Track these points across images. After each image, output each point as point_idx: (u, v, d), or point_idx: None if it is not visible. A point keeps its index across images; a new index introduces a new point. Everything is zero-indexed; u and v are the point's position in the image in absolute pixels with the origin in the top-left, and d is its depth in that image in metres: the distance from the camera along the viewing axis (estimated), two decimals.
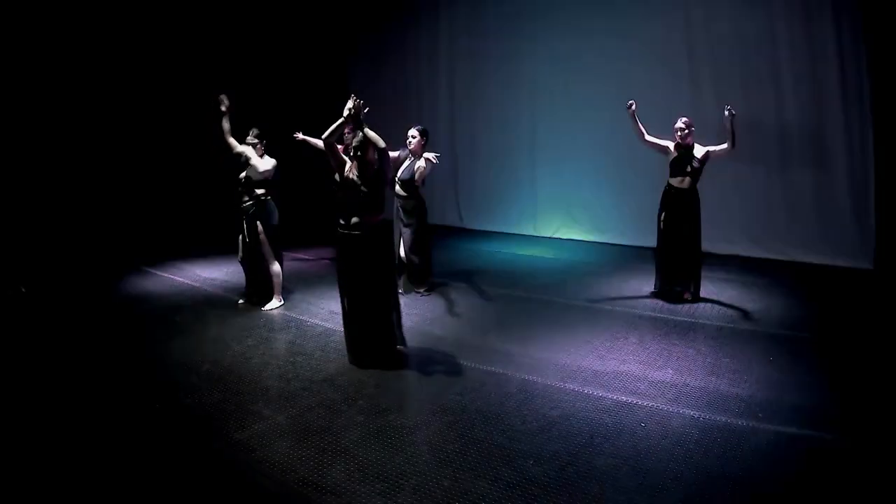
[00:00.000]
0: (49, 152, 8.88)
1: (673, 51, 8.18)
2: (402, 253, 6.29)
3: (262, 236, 5.66)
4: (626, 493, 2.90)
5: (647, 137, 5.87)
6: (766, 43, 7.54)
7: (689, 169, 5.72)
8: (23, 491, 3.04)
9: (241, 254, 5.86)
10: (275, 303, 5.89)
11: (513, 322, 5.53)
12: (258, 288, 5.91)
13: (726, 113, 5.57)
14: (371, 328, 4.49)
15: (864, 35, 6.81)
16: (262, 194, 5.68)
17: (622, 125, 8.52)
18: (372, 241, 4.40)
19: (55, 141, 8.96)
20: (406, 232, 6.24)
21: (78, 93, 9.14)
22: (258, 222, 5.65)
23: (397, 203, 6.26)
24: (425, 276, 6.42)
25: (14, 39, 8.42)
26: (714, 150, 5.72)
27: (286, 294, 6.13)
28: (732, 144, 5.61)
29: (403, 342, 4.69)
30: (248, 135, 5.67)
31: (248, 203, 5.66)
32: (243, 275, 6.07)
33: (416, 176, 6.06)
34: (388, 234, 4.71)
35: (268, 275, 5.81)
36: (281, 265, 5.87)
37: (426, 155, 6.05)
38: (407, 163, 6.19)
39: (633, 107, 5.78)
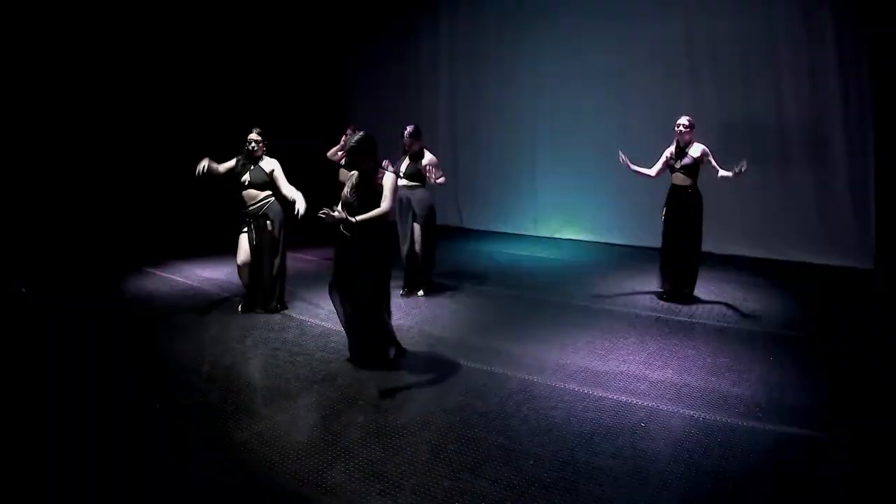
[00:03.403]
0: (50, 153, 8.89)
1: (673, 50, 8.19)
2: (412, 251, 6.20)
3: (276, 235, 5.64)
4: (626, 493, 2.90)
5: (655, 172, 5.95)
6: (766, 43, 7.55)
7: (678, 165, 5.73)
8: (23, 491, 3.04)
9: (243, 258, 5.69)
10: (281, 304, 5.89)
11: (513, 322, 5.53)
12: (260, 292, 5.79)
13: (738, 169, 5.55)
14: (366, 329, 4.49)
15: (865, 35, 6.82)
16: (269, 195, 5.67)
17: (622, 125, 8.59)
18: (366, 242, 4.34)
19: (56, 141, 8.96)
20: (416, 228, 6.17)
21: (78, 93, 9.15)
22: (269, 221, 5.61)
23: (406, 195, 6.12)
24: (428, 278, 6.40)
25: (15, 39, 8.42)
26: (711, 160, 5.73)
27: (287, 294, 6.13)
28: (728, 179, 5.67)
29: (401, 349, 4.64)
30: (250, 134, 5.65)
31: (256, 205, 5.62)
32: (241, 280, 5.89)
33: (430, 173, 6.12)
34: (387, 238, 4.65)
35: (276, 277, 5.77)
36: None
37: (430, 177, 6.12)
38: (406, 162, 6.19)
39: (624, 159, 5.88)
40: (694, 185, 5.78)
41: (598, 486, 2.95)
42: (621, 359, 4.56)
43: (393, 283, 4.65)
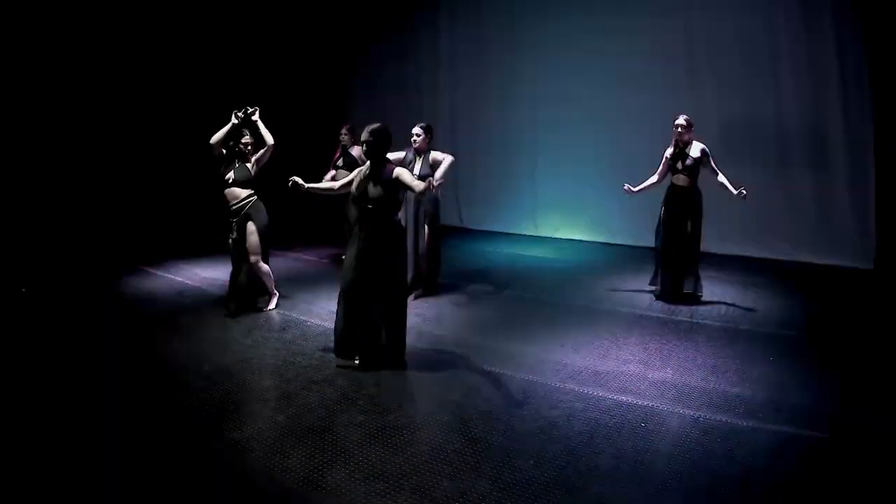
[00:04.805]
0: (49, 153, 8.88)
1: (673, 51, 8.19)
2: (417, 252, 6.14)
3: (257, 235, 5.62)
4: (626, 493, 2.90)
5: (659, 176, 5.98)
6: (766, 43, 7.55)
7: (680, 166, 5.74)
8: (23, 491, 3.04)
9: (233, 261, 5.70)
10: (274, 302, 5.89)
11: (513, 322, 5.53)
12: (243, 292, 5.76)
13: (738, 193, 5.57)
14: (393, 326, 4.44)
15: (864, 35, 6.82)
16: (252, 194, 5.66)
17: (622, 125, 8.59)
18: (388, 242, 4.34)
19: (55, 141, 8.96)
20: (424, 230, 6.15)
21: (78, 93, 9.14)
22: (251, 222, 5.61)
23: (414, 200, 6.01)
24: (435, 279, 6.36)
25: (14, 39, 8.42)
26: (711, 161, 5.73)
27: (283, 295, 6.12)
28: (726, 188, 5.69)
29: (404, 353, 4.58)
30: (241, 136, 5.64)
31: (238, 204, 5.61)
32: (231, 282, 5.82)
33: (439, 174, 5.88)
34: (404, 236, 4.65)
35: (259, 275, 5.76)
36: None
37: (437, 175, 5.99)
38: (419, 162, 6.13)
39: (629, 188, 6.00)
40: (694, 185, 5.79)
41: (598, 486, 2.95)
42: (621, 359, 4.56)
43: None
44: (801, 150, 7.48)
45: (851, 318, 5.44)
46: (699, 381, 4.14)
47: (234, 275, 5.75)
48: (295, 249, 8.63)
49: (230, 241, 5.64)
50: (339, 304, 4.45)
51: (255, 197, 5.66)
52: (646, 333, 5.11)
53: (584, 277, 7.07)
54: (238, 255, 5.65)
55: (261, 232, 5.61)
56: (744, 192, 5.55)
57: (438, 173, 5.89)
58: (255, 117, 5.57)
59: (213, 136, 5.46)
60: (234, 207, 5.58)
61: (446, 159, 6.04)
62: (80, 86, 9.17)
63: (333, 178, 7.19)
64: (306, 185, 4.54)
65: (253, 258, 5.63)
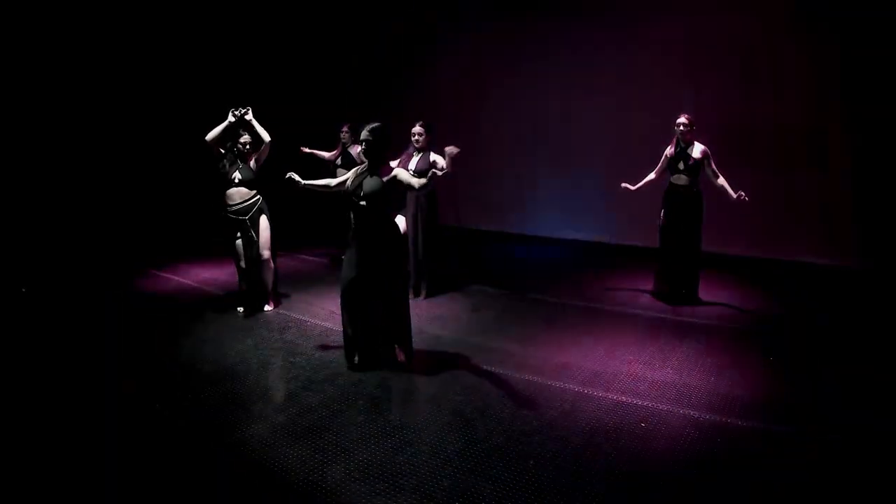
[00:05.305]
0: (51, 153, 8.89)
1: (673, 50, 8.18)
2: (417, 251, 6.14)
3: (269, 231, 5.64)
4: (627, 493, 2.90)
5: (657, 174, 5.97)
6: (766, 43, 7.55)
7: (682, 166, 5.73)
8: (22, 491, 3.05)
9: (244, 261, 5.69)
10: (272, 304, 5.88)
11: (513, 322, 5.53)
12: (256, 292, 5.79)
13: (737, 196, 5.57)
14: (395, 325, 4.43)
15: (865, 34, 6.82)
16: (257, 193, 5.67)
17: (622, 124, 8.59)
18: (386, 240, 4.32)
19: (57, 142, 8.96)
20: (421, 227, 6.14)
21: (79, 94, 9.15)
22: (264, 216, 5.63)
23: (412, 195, 6.01)
24: (434, 280, 6.33)
25: (16, 40, 8.43)
26: (712, 163, 5.71)
27: (284, 294, 6.12)
28: (725, 190, 5.68)
29: (411, 353, 4.57)
30: (240, 136, 5.65)
31: (247, 202, 5.61)
32: (241, 283, 5.85)
33: (444, 167, 5.82)
34: (402, 234, 4.63)
35: (265, 275, 5.77)
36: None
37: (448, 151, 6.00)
38: (416, 157, 6.13)
39: (626, 186, 6.02)
40: (694, 186, 5.78)
41: (598, 486, 2.95)
42: (621, 359, 4.56)
43: None
44: (801, 149, 7.48)
45: (852, 318, 5.44)
46: (699, 381, 4.14)
47: (244, 274, 5.76)
48: (294, 249, 8.63)
49: (239, 240, 5.63)
50: (342, 308, 4.44)
51: (260, 197, 5.68)
52: (646, 333, 5.11)
53: (583, 277, 7.07)
54: (248, 254, 5.65)
55: (269, 229, 5.64)
56: (743, 195, 5.55)
57: (442, 162, 5.87)
58: (249, 116, 5.56)
59: (208, 133, 5.46)
60: (239, 207, 5.58)
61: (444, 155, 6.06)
62: (84, 87, 9.18)
63: (320, 158, 7.46)
64: (303, 182, 4.53)
65: (265, 253, 5.65)
